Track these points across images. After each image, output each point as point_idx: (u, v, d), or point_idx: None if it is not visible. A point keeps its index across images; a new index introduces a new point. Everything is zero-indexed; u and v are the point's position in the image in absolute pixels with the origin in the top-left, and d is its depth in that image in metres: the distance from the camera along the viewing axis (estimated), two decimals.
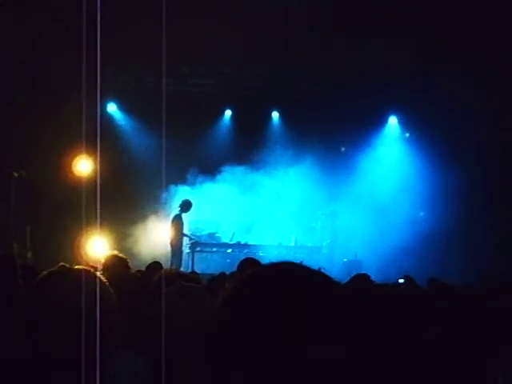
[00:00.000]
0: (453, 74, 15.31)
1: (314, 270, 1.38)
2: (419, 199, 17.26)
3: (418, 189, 17.31)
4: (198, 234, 16.77)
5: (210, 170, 16.93)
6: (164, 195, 16.57)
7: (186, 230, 16.36)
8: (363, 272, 7.91)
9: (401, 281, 8.60)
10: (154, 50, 15.51)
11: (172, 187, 16.65)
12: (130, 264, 6.62)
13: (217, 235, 16.84)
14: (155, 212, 16.65)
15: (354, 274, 7.68)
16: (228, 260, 16.09)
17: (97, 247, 12.93)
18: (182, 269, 12.73)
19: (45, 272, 2.50)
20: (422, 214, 17.17)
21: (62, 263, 2.62)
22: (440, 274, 9.55)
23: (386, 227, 16.86)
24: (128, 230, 16.17)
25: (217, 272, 8.07)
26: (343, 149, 17.37)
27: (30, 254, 14.87)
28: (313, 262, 14.73)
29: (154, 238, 16.41)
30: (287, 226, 17.04)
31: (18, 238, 14.89)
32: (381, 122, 18.28)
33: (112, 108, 17.63)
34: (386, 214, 17.01)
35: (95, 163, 16.90)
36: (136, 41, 14.90)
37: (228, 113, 18.25)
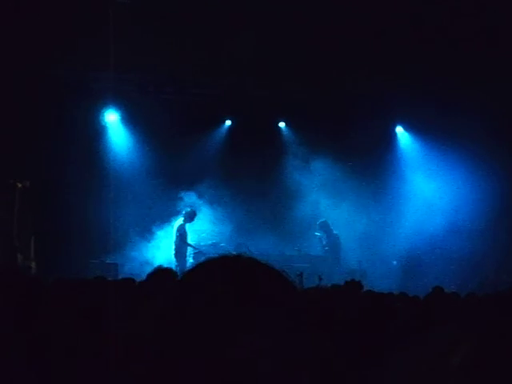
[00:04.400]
0: (451, 77, 15.41)
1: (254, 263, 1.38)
2: (429, 208, 17.22)
3: (428, 198, 17.29)
4: (201, 244, 16.74)
5: (213, 179, 16.92)
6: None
7: (189, 240, 16.38)
8: (366, 282, 7.91)
9: None
10: (156, 60, 15.61)
11: (176, 197, 16.69)
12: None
13: (221, 245, 16.79)
14: (160, 222, 16.66)
15: None
16: None
17: None
18: None
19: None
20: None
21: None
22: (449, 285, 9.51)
23: (395, 237, 16.87)
24: (134, 240, 16.22)
25: None
26: (350, 163, 17.20)
27: (33, 265, 14.87)
28: (316, 270, 14.73)
29: (160, 247, 16.44)
30: (291, 234, 17.01)
31: (21, 248, 14.90)
32: (388, 131, 18.29)
33: (112, 117, 17.58)
34: (394, 223, 17.01)
35: (97, 174, 16.96)
36: (138, 50, 14.96)
37: (228, 122, 18.20)
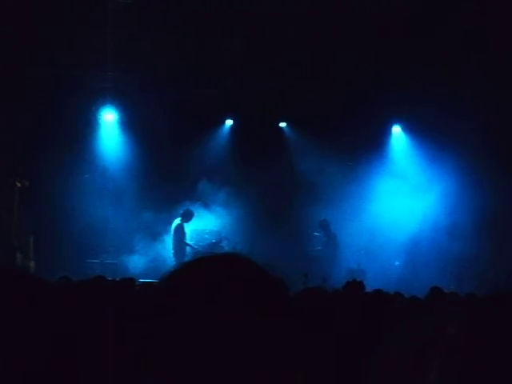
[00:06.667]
0: (449, 75, 15.43)
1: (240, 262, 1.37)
2: (428, 209, 17.22)
3: (426, 198, 17.28)
4: (201, 244, 16.73)
5: (215, 179, 16.90)
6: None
7: (188, 240, 16.40)
8: (365, 281, 7.90)
9: None
10: (157, 59, 15.63)
11: (176, 197, 16.68)
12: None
13: (220, 245, 16.78)
14: (161, 222, 16.66)
15: None
16: None
17: None
18: None
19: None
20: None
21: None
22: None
23: (394, 237, 16.89)
24: (135, 240, 16.27)
25: None
26: (350, 163, 17.18)
27: (32, 264, 14.88)
28: (315, 270, 14.74)
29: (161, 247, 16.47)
30: (290, 235, 17.00)
31: (20, 248, 14.91)
32: (386, 131, 18.29)
33: (110, 116, 17.45)
34: (393, 224, 17.01)
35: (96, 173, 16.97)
36: (138, 49, 14.98)
37: (230, 122, 18.12)
